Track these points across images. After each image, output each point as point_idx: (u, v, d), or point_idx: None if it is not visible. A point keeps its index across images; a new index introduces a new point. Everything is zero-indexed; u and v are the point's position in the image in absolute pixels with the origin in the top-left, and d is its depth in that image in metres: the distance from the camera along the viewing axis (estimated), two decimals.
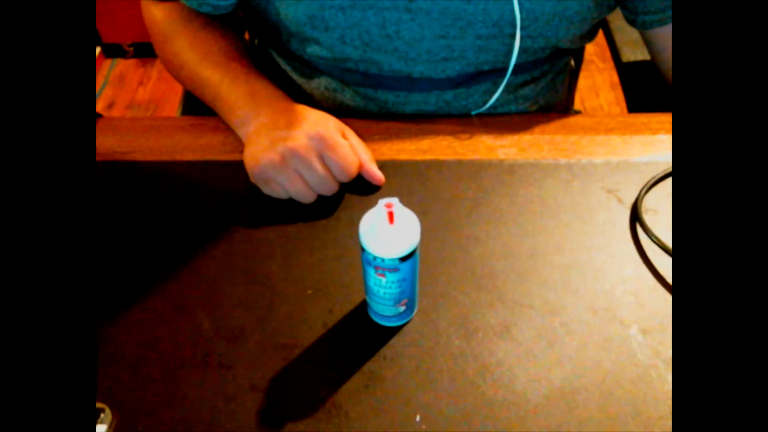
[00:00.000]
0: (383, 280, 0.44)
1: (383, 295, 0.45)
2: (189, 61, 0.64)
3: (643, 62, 0.89)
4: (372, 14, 0.58)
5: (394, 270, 0.43)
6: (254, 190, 0.57)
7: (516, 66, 0.63)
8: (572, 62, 0.89)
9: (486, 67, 0.64)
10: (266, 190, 0.56)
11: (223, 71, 0.62)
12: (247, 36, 0.84)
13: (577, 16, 0.61)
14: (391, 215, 0.41)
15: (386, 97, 0.67)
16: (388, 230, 0.42)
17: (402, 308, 0.47)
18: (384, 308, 0.47)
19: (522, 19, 0.58)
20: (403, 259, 0.43)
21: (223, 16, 0.68)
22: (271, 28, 0.68)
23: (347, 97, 0.68)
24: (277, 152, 0.54)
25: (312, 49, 0.64)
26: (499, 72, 0.64)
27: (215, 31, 0.66)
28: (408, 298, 0.46)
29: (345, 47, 0.61)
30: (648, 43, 0.69)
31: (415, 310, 0.49)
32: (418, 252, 0.44)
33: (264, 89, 0.60)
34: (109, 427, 0.43)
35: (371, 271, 0.44)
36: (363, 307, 0.49)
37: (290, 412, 0.44)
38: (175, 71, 0.67)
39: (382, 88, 0.66)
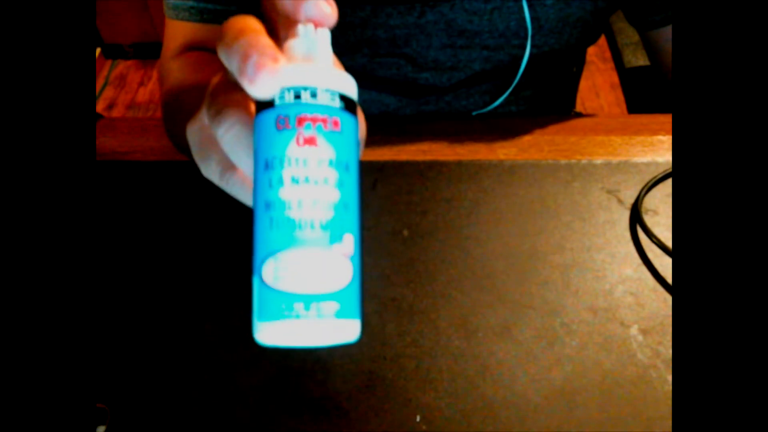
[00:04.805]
0: (312, 157, 0.25)
1: (310, 202, 0.25)
2: None
3: (645, 67, 0.89)
4: (382, 32, 0.59)
5: (335, 128, 0.25)
6: None
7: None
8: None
9: (490, 73, 0.64)
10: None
11: None
12: None
13: (581, 21, 0.61)
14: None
15: (388, 100, 0.67)
16: (320, 55, 0.27)
17: (343, 263, 0.26)
18: (310, 258, 0.25)
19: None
20: (348, 108, 0.26)
21: None
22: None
23: None
24: None
25: None
26: (502, 76, 0.64)
27: None
28: (351, 231, 0.26)
29: (354, 55, 0.62)
30: (652, 44, 0.68)
31: (361, 318, 0.27)
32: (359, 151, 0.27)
33: None
34: (109, 427, 0.43)
35: (285, 145, 0.25)
36: (364, 307, 0.49)
37: (290, 412, 0.44)
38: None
39: (386, 92, 0.66)
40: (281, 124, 0.25)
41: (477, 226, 0.54)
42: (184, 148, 0.55)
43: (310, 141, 0.25)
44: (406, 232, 0.54)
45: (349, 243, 0.26)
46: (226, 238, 0.54)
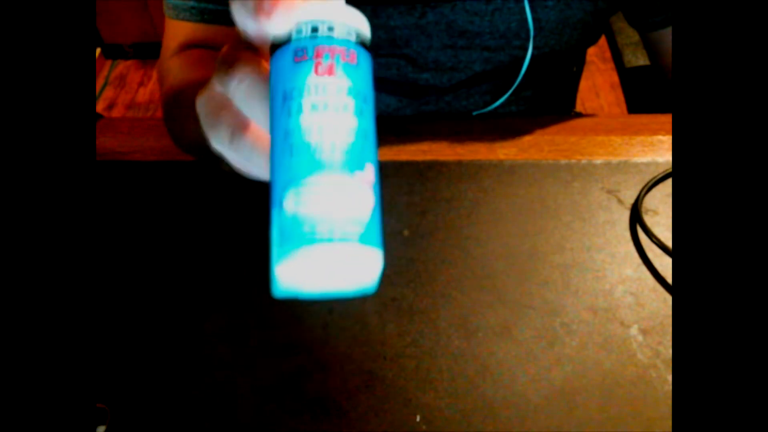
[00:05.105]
0: (331, 85, 0.25)
1: (332, 127, 0.25)
2: None
3: (645, 66, 0.89)
4: (383, 33, 0.59)
5: (352, 61, 0.26)
6: (254, 190, 0.57)
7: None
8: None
9: (490, 73, 0.64)
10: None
11: None
12: None
13: (581, 22, 0.61)
14: None
15: (388, 101, 0.67)
16: None
17: (366, 190, 0.25)
18: (333, 182, 0.25)
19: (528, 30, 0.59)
20: (363, 44, 0.27)
21: None
22: None
23: None
24: None
25: None
26: (502, 76, 0.64)
27: None
28: (372, 161, 0.26)
29: None
30: (652, 45, 0.68)
31: (383, 253, 0.26)
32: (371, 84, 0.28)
33: None
34: (109, 427, 0.43)
35: (305, 75, 0.26)
36: (364, 307, 0.49)
37: (290, 412, 0.44)
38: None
39: (386, 93, 0.66)
40: (299, 56, 0.26)
41: (477, 226, 0.54)
42: (184, 146, 0.56)
43: (328, 71, 0.26)
44: (406, 232, 0.54)
45: (370, 171, 0.26)
46: (226, 238, 0.54)
